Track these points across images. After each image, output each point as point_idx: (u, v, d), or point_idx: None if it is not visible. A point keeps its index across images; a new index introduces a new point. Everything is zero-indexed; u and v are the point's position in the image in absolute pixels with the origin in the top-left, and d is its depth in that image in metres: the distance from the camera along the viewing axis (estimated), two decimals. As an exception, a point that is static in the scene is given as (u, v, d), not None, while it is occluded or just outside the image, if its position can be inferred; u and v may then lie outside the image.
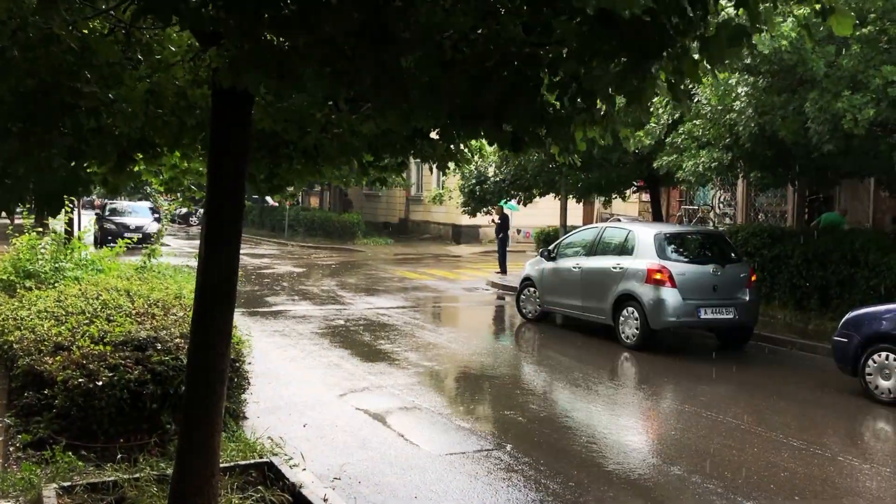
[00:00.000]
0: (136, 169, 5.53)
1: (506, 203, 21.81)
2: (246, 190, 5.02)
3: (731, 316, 11.61)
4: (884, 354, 8.66)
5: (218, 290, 4.25)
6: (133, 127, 4.46)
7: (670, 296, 11.38)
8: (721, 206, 20.35)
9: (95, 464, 5.19)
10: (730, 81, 11.74)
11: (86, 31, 3.94)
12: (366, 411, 7.83)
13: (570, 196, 20.19)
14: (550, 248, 14.26)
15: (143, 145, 5.06)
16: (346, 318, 13.86)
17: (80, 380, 5.48)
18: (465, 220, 28.66)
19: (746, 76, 11.61)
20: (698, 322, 11.64)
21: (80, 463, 5.16)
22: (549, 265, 13.75)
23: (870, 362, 8.79)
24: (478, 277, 21.13)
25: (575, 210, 27.21)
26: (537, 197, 20.49)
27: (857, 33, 10.11)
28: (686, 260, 11.93)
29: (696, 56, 3.08)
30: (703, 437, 7.29)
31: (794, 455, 6.82)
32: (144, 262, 10.25)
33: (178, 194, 6.38)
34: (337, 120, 4.40)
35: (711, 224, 19.80)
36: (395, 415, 7.80)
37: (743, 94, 11.72)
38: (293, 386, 8.75)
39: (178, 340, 6.02)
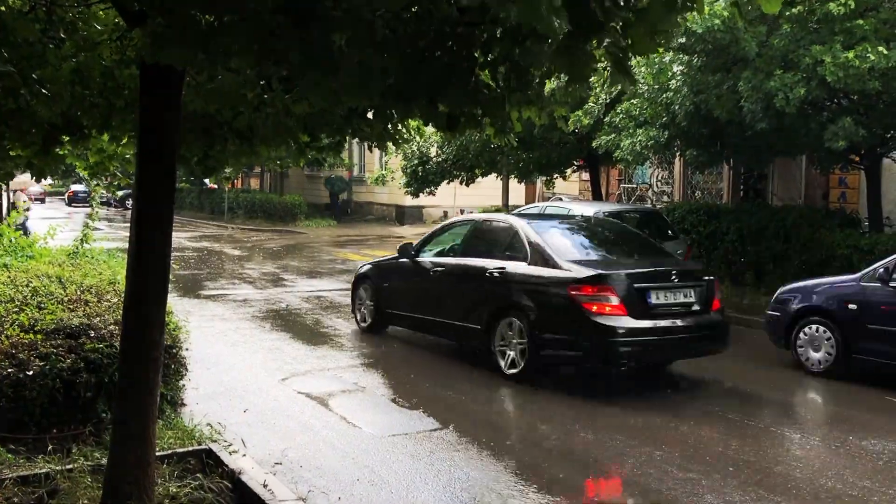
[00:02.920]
0: (62, 152, 5.37)
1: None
2: (178, 172, 4.92)
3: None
4: (814, 327, 8.93)
5: (150, 276, 4.15)
6: (57, 109, 4.32)
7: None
8: (659, 184, 20.68)
9: (26, 456, 5.05)
10: (665, 60, 11.90)
11: (3, 9, 3.78)
12: (308, 395, 7.78)
13: (512, 176, 20.30)
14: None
15: (71, 127, 4.90)
16: (287, 301, 13.73)
17: (10, 370, 5.31)
18: (409, 201, 28.60)
19: (682, 55, 11.79)
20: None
21: (9, 456, 5.01)
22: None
23: (801, 335, 9.06)
24: (421, 258, 21.11)
25: (517, 190, 27.39)
26: (480, 177, 20.55)
27: (788, 13, 10.34)
28: (625, 238, 12.06)
29: (641, 31, 3.08)
30: (639, 411, 7.41)
31: (728, 427, 6.99)
32: (77, 248, 9.96)
33: (104, 179, 6.20)
34: (270, 99, 4.32)
35: (650, 202, 20.13)
36: (338, 398, 7.77)
37: (678, 73, 11.91)
38: (233, 371, 8.64)
39: (112, 327, 5.88)
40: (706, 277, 8.64)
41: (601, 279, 7.90)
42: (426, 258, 10.09)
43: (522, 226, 8.99)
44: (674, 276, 8.22)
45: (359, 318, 11.08)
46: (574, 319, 7.89)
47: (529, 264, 8.50)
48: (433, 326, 9.82)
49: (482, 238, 9.61)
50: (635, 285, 7.94)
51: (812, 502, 5.34)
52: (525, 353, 8.21)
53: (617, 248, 9.19)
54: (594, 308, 7.78)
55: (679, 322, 8.14)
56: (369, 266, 11.34)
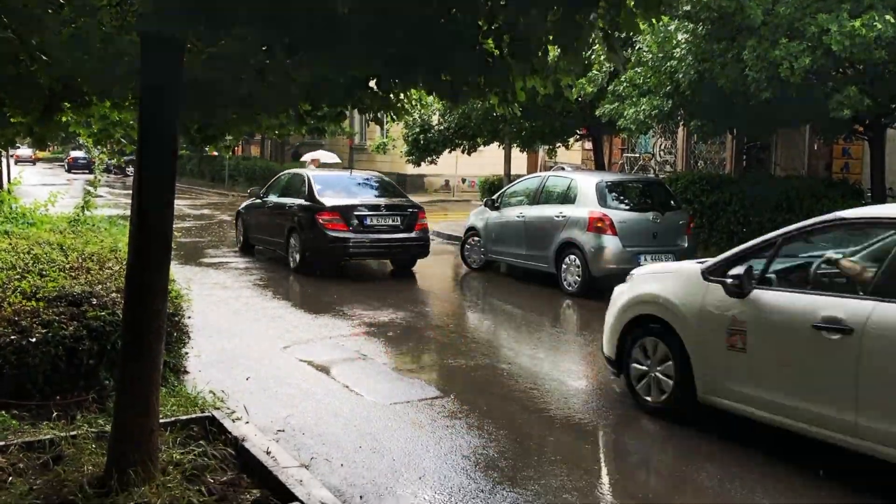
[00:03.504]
0: (64, 119, 5.33)
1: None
2: (179, 140, 4.89)
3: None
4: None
5: (152, 243, 4.15)
6: (56, 74, 4.28)
7: (611, 243, 11.54)
8: (662, 153, 20.59)
9: (31, 422, 5.09)
10: (670, 28, 11.79)
11: (1, -26, 3.74)
12: (310, 363, 7.82)
13: (515, 145, 20.20)
14: (494, 197, 14.30)
15: (71, 94, 4.86)
16: (289, 268, 13.74)
17: (13, 337, 5.33)
18: (411, 170, 28.52)
19: (686, 23, 11.67)
20: (638, 269, 11.82)
21: (14, 422, 5.05)
22: (493, 214, 13.80)
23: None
24: (422, 227, 21.09)
25: (519, 159, 27.30)
26: (482, 146, 20.46)
27: (794, -19, 10.21)
28: (626, 208, 12.08)
29: (632, 5, 3.06)
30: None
31: (728, 396, 7.02)
32: (78, 215, 9.94)
33: (108, 147, 6.17)
34: (272, 67, 4.28)
35: (652, 172, 20.06)
36: (340, 366, 7.80)
37: (683, 41, 11.79)
38: (236, 339, 8.67)
39: (114, 295, 5.89)
40: (411, 210, 13.38)
41: (333, 209, 12.83)
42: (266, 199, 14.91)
43: (309, 176, 13.81)
44: (384, 208, 13.20)
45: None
46: (319, 233, 12.79)
47: (305, 201, 13.31)
48: (263, 242, 15.04)
49: (291, 185, 14.27)
50: (356, 213, 12.90)
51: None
52: (298, 256, 13.20)
53: (362, 192, 13.79)
54: (328, 226, 12.74)
55: (386, 236, 13.08)
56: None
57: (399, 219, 13.18)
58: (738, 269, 5.68)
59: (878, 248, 5.37)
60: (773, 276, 5.65)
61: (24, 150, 48.06)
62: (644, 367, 6.45)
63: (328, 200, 12.98)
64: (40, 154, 59.66)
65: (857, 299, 4.97)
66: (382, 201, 13.45)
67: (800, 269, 5.79)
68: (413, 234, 13.26)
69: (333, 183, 13.80)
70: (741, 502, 4.88)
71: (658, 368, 6.31)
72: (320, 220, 12.71)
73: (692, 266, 6.20)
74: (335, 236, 12.67)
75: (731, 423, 5.92)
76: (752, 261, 5.71)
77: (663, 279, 6.47)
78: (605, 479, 5.29)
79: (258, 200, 14.99)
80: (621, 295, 6.87)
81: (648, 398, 6.38)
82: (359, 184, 14.15)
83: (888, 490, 5.03)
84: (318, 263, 13.06)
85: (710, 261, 6.12)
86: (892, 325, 4.70)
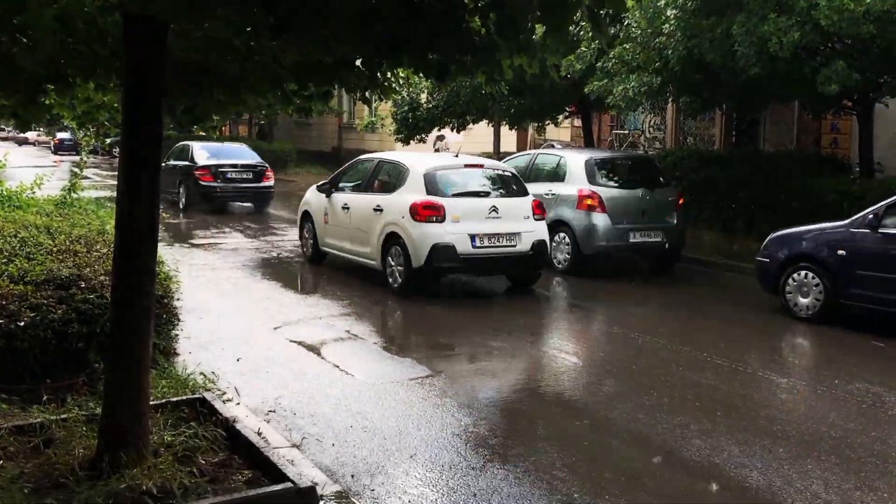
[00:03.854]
0: (48, 102, 5.28)
1: None
2: (165, 121, 4.85)
3: (659, 239, 11.87)
4: (803, 273, 9.00)
5: (138, 225, 4.13)
6: (39, 56, 4.23)
7: (601, 221, 11.56)
8: (651, 130, 20.58)
9: (21, 406, 5.08)
10: (659, 4, 11.74)
11: (-19, -46, 3.68)
12: (300, 343, 7.83)
13: (504, 122, 20.14)
14: None
15: (55, 76, 4.81)
16: (278, 250, 13.71)
17: (1, 321, 5.31)
18: (400, 148, 28.39)
19: (676, -1, 11.62)
20: (628, 246, 11.87)
21: (4, 406, 5.05)
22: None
23: (790, 281, 9.13)
24: (412, 206, 21.04)
25: (509, 136, 27.21)
26: (471, 124, 20.39)
27: (783, -44, 10.16)
28: (616, 185, 12.09)
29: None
30: (631, 357, 7.51)
31: (717, 372, 7.09)
32: (65, 198, 9.87)
33: (91, 129, 6.11)
34: (258, 48, 4.24)
35: (642, 148, 20.05)
36: (330, 346, 7.82)
37: (672, 17, 11.74)
38: (226, 320, 8.67)
39: (102, 278, 5.86)
40: (260, 167, 19.56)
41: (206, 167, 18.89)
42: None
43: (195, 146, 19.97)
44: (238, 165, 19.28)
45: None
46: (198, 184, 18.82)
47: (190, 162, 19.43)
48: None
49: (178, 154, 20.56)
50: (220, 169, 18.93)
51: (797, 445, 5.44)
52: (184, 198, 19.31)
53: (231, 156, 19.90)
54: (203, 179, 18.77)
55: (241, 185, 19.24)
56: None
57: (251, 173, 19.41)
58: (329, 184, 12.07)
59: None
60: (342, 185, 11.74)
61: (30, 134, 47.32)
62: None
63: (202, 161, 19.34)
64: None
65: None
66: (237, 163, 19.51)
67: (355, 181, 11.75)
68: (261, 184, 19.50)
69: (211, 149, 20.13)
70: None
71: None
72: (196, 175, 18.92)
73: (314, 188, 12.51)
74: (206, 185, 18.86)
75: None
76: (339, 182, 11.89)
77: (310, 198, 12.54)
78: (596, 454, 5.33)
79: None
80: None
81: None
82: (227, 150, 20.62)
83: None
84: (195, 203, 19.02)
85: (322, 182, 12.43)
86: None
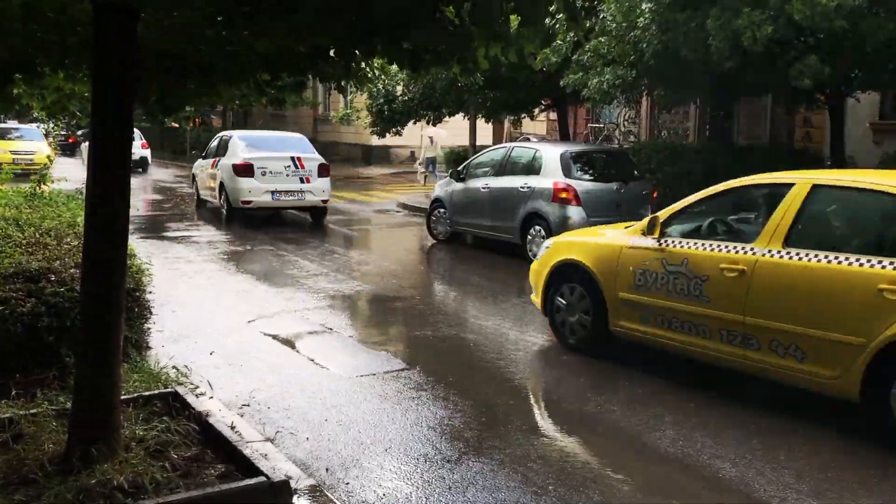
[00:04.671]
0: (16, 92, 5.19)
1: None
2: (137, 111, 4.78)
3: (634, 232, 11.91)
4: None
5: (108, 217, 4.07)
6: (9, 45, 4.15)
7: (575, 213, 11.60)
8: (626, 124, 20.67)
9: (-11, 401, 5.00)
10: (634, -2, 11.76)
11: (-56, -62, 3.60)
12: (275, 336, 7.78)
13: (480, 115, 20.12)
14: (460, 168, 14.26)
15: (24, 65, 4.73)
16: (252, 242, 13.61)
17: (-32, 315, 5.22)
18: (376, 141, 28.28)
19: (651, -7, 11.65)
20: (603, 239, 11.91)
21: (-28, 401, 4.96)
22: (459, 186, 13.78)
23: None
24: (389, 200, 21.02)
25: (485, 129, 27.19)
26: (447, 116, 20.36)
27: (757, -50, 10.22)
28: (591, 178, 12.13)
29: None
30: (605, 350, 7.52)
31: (689, 364, 7.12)
32: (34, 190, 9.72)
33: (60, 120, 6.02)
34: (230, 36, 4.19)
35: (617, 142, 20.13)
36: (305, 339, 7.77)
37: (647, 10, 11.77)
38: (199, 313, 8.59)
39: (72, 271, 5.78)
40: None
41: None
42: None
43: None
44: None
45: None
46: None
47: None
48: None
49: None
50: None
51: (769, 434, 5.49)
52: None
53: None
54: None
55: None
56: None
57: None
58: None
59: None
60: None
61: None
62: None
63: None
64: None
65: None
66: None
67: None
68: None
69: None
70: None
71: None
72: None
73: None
74: None
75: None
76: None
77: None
78: (570, 445, 5.34)
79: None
80: None
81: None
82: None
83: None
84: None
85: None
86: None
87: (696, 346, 6.23)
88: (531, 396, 6.30)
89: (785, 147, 15.34)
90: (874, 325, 5.06)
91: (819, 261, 5.42)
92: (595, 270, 7.05)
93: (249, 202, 15.38)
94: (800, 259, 5.52)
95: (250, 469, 4.17)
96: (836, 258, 5.34)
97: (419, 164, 25.58)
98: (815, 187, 5.81)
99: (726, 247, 6.09)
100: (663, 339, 6.50)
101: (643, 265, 6.62)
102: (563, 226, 11.55)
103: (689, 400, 6.16)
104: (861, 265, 5.21)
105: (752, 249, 5.87)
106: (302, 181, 15.50)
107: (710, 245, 6.20)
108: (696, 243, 6.31)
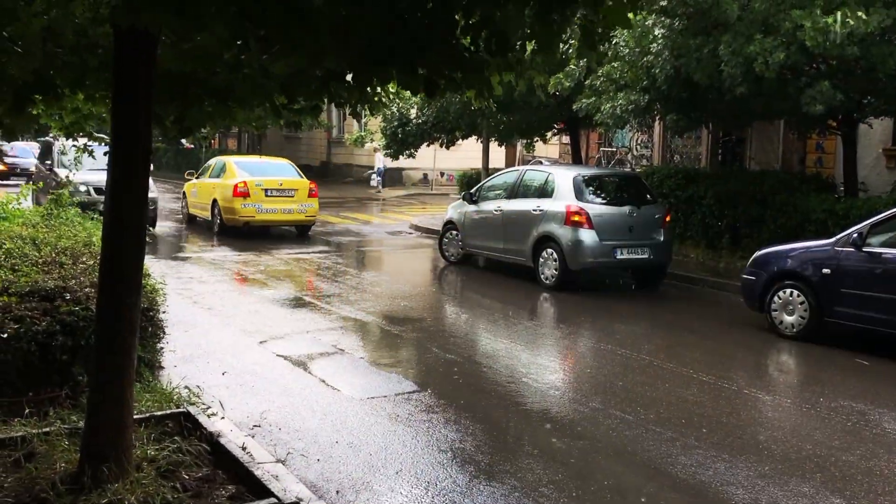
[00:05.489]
0: (35, 112, 5.26)
1: None
2: (154, 132, 4.84)
3: (646, 256, 11.91)
4: (788, 291, 9.04)
5: (125, 237, 4.11)
6: (28, 66, 4.22)
7: (588, 237, 11.59)
8: (638, 147, 20.69)
9: (2, 419, 5.02)
10: (647, 23, 11.83)
11: (-29, -36, 3.67)
12: (287, 357, 7.79)
13: (492, 139, 20.20)
14: (472, 191, 14.30)
15: (44, 86, 4.80)
16: (265, 263, 13.67)
17: (-16, 333, 5.26)
18: (389, 163, 28.42)
19: (663, 18, 11.72)
20: (615, 262, 11.91)
21: (-15, 418, 4.99)
22: (472, 208, 13.81)
23: (775, 299, 9.17)
24: (401, 221, 21.09)
25: (497, 153, 27.30)
26: (460, 139, 20.45)
27: (770, -23, 10.27)
28: (603, 202, 12.14)
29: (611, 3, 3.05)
30: (617, 374, 7.51)
31: (702, 389, 7.09)
32: (51, 209, 9.82)
33: (79, 140, 6.09)
34: (247, 60, 4.24)
35: (629, 166, 20.15)
36: (317, 360, 7.78)
37: (660, 36, 11.84)
38: (212, 334, 8.62)
39: (87, 290, 5.82)
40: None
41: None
42: None
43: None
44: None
45: None
46: None
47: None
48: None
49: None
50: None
51: (782, 462, 5.45)
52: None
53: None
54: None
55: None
56: None
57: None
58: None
59: None
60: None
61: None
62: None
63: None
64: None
65: None
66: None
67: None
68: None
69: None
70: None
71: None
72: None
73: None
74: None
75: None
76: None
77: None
78: (583, 470, 5.32)
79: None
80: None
81: None
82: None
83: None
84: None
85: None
86: None
87: None
88: (543, 420, 6.27)
89: (797, 172, 15.31)
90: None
91: None
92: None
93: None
94: None
95: (261, 490, 4.17)
96: None
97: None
98: None
99: None
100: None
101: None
102: (576, 249, 11.56)
103: (702, 425, 6.13)
104: None
105: None
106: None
107: None
108: None
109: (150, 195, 15.17)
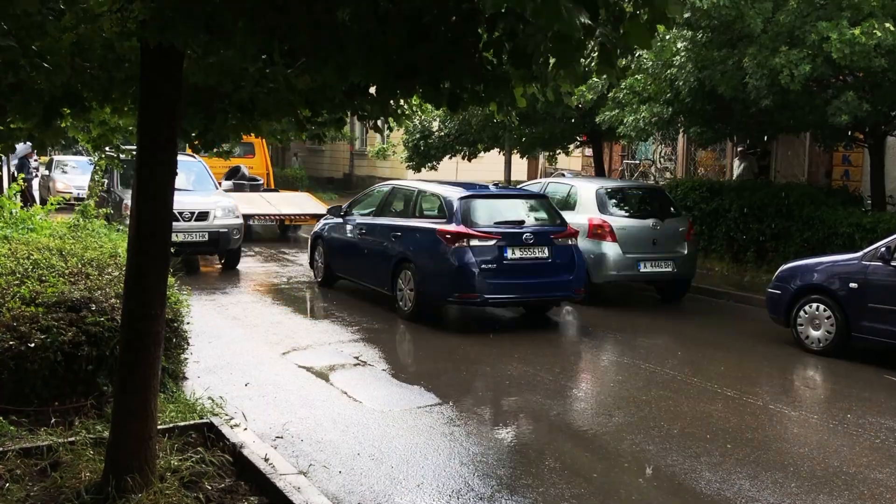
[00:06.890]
0: (64, 125, 5.33)
1: None
2: (179, 145, 4.89)
3: (669, 269, 11.82)
4: (815, 305, 8.93)
5: (151, 249, 4.15)
6: (57, 81, 4.28)
7: (611, 250, 11.53)
8: (662, 160, 20.59)
9: (28, 428, 5.08)
10: (669, 36, 11.80)
11: (1, -20, 3.73)
12: (309, 369, 7.81)
13: (515, 151, 20.19)
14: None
15: (71, 100, 4.86)
16: (288, 275, 13.74)
17: (11, 342, 5.32)
18: (411, 176, 28.46)
19: (686, 31, 11.68)
20: (638, 276, 11.83)
21: (11, 428, 5.04)
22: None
23: (801, 313, 9.07)
24: (422, 233, 21.06)
25: (520, 165, 27.28)
26: (482, 152, 20.44)
27: (795, -11, 10.22)
28: (626, 214, 12.08)
29: (645, 15, 3.03)
30: (641, 388, 7.45)
31: (727, 404, 7.02)
32: (77, 221, 9.95)
33: (105, 153, 6.17)
34: (272, 74, 4.28)
35: (652, 178, 20.05)
36: (339, 372, 7.80)
37: (683, 49, 11.80)
38: (235, 345, 8.67)
39: (113, 301, 5.88)
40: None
41: None
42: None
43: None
44: None
45: None
46: None
47: None
48: None
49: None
50: None
51: (808, 479, 5.38)
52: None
53: None
54: None
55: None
56: None
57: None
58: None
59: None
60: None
61: None
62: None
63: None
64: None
65: None
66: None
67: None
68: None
69: None
70: None
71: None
72: None
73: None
74: None
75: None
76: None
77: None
78: (605, 484, 5.27)
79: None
80: None
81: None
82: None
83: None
84: None
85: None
86: None
87: None
88: (565, 434, 6.23)
89: (823, 185, 15.17)
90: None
91: None
92: None
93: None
94: None
95: (284, 502, 4.18)
96: None
97: None
98: None
99: None
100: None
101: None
102: (598, 262, 11.50)
103: (727, 441, 6.07)
104: None
105: None
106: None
107: None
108: None
109: (235, 219, 14.36)
